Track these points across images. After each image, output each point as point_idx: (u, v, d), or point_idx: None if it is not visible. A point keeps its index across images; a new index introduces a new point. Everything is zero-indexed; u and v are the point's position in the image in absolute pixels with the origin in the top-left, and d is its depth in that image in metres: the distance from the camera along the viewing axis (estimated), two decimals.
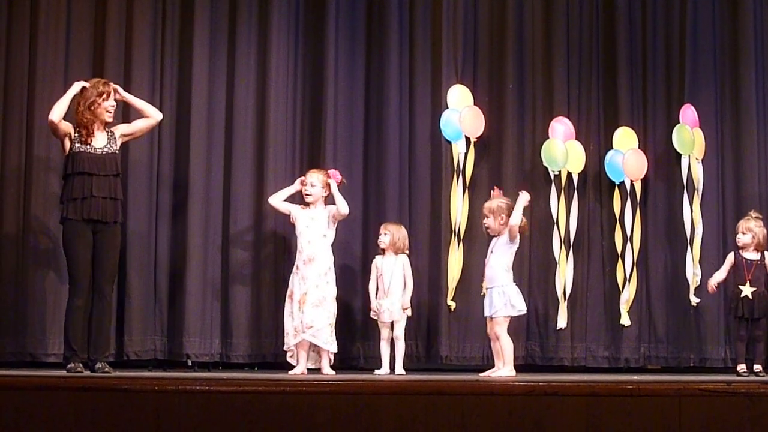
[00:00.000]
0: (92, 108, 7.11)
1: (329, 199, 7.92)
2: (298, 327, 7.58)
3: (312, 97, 8.69)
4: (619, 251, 8.81)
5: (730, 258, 8.06)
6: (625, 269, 8.78)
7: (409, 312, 7.98)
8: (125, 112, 7.76)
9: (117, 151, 7.20)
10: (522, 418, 4.95)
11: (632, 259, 8.79)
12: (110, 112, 7.20)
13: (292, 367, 7.65)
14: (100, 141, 7.12)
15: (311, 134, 8.67)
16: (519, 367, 7.69)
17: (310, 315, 7.56)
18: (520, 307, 7.56)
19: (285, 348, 7.73)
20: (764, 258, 7.99)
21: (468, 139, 8.69)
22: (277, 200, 7.91)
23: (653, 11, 9.08)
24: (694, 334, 8.76)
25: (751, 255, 7.98)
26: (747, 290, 7.88)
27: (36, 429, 4.88)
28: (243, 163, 8.45)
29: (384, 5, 8.81)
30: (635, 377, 7.13)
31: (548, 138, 8.79)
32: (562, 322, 8.67)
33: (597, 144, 8.97)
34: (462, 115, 8.65)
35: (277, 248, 8.26)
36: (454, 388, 5.09)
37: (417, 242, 8.63)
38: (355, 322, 8.40)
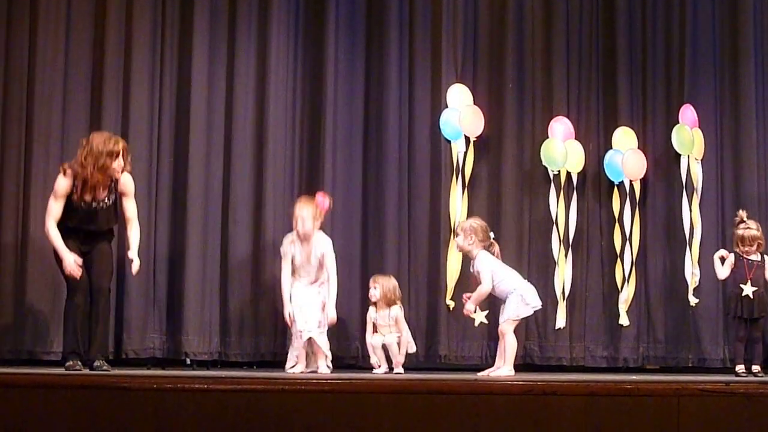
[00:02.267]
0: (103, 169, 6.94)
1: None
2: (303, 327, 7.59)
3: (311, 96, 8.69)
4: (618, 251, 8.81)
5: (731, 259, 8.05)
6: (624, 269, 8.78)
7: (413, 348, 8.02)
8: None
9: (114, 202, 7.10)
10: (520, 417, 4.95)
11: (631, 259, 8.79)
12: (118, 171, 7.03)
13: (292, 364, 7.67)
14: (99, 194, 7.05)
15: (310, 134, 8.66)
16: (518, 367, 7.68)
17: (315, 315, 7.62)
18: (534, 303, 7.58)
19: (291, 353, 7.71)
20: (764, 259, 8.00)
21: (467, 139, 8.69)
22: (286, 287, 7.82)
23: (653, 11, 9.08)
24: (692, 334, 8.76)
25: (753, 256, 7.98)
26: (748, 289, 7.88)
27: (34, 427, 4.88)
28: (242, 162, 8.45)
29: (384, 4, 8.80)
30: (634, 377, 7.13)
31: (548, 137, 8.78)
32: (560, 321, 8.67)
33: (596, 144, 8.97)
34: (461, 115, 8.65)
35: (276, 247, 8.24)
36: (452, 388, 5.09)
37: (416, 241, 8.64)
38: (353, 321, 8.39)
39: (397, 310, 7.89)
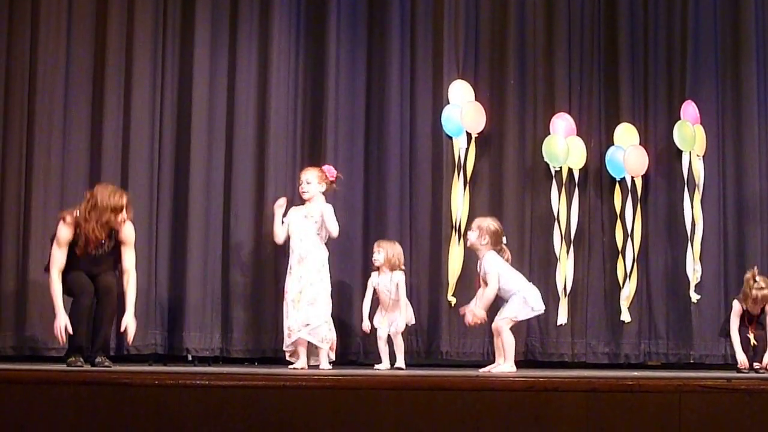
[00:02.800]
0: (106, 225, 6.93)
1: (328, 194, 7.92)
2: (293, 326, 7.58)
3: (313, 92, 8.69)
4: (620, 247, 8.81)
5: (737, 308, 7.99)
6: (626, 265, 8.79)
7: (413, 320, 8.00)
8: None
9: (114, 249, 7.06)
10: (522, 413, 4.95)
11: (633, 255, 8.79)
12: (120, 223, 7.00)
13: (292, 362, 7.66)
14: (100, 245, 7.03)
15: (312, 130, 8.67)
16: (519, 363, 7.69)
17: (306, 313, 7.56)
18: (537, 307, 7.52)
19: (285, 348, 7.72)
20: (765, 312, 7.96)
21: (469, 135, 8.70)
22: (279, 232, 7.82)
23: (654, 7, 9.08)
24: (694, 331, 8.76)
25: (755, 310, 7.97)
26: (751, 336, 7.90)
27: (36, 423, 4.88)
28: (244, 158, 8.46)
29: (385, 0, 8.80)
30: (635, 373, 7.14)
31: (549, 134, 8.79)
32: (562, 317, 8.68)
33: (598, 140, 8.97)
34: (463, 111, 8.65)
35: (277, 244, 8.25)
36: (454, 384, 5.08)
37: (418, 238, 8.65)
38: (354, 317, 8.40)
39: (400, 276, 7.87)
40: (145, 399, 4.91)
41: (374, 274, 7.94)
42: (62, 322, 6.85)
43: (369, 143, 8.74)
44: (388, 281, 7.85)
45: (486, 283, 7.42)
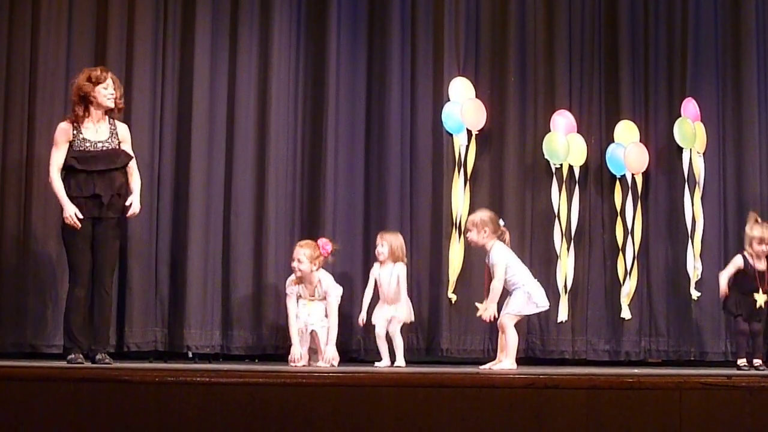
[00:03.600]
0: (89, 95, 7.00)
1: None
2: (306, 321, 7.60)
3: (313, 89, 8.69)
4: (620, 245, 8.81)
5: (738, 262, 7.99)
6: (626, 263, 8.78)
7: (412, 317, 8.01)
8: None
9: (119, 146, 7.12)
10: (522, 410, 4.96)
11: (633, 252, 8.79)
12: (110, 99, 7.08)
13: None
14: (101, 133, 7.06)
15: (313, 127, 8.66)
16: (520, 360, 7.68)
17: (317, 308, 7.63)
18: (541, 304, 7.55)
19: (290, 360, 7.69)
20: None
21: (469, 132, 8.69)
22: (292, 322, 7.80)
23: (655, 4, 9.07)
24: (694, 328, 8.76)
25: (761, 264, 7.94)
26: (761, 299, 7.88)
27: (36, 420, 4.89)
28: (244, 155, 8.45)
29: None
30: (636, 370, 7.13)
31: (549, 131, 8.78)
32: (562, 315, 8.67)
33: (598, 137, 8.97)
34: (463, 108, 8.65)
35: (278, 240, 8.25)
36: (454, 381, 5.09)
37: (418, 235, 8.64)
38: (354, 315, 8.39)
39: (401, 268, 7.89)
40: (145, 396, 4.92)
41: (376, 266, 7.95)
42: (71, 211, 6.89)
43: (369, 141, 8.74)
44: (389, 273, 7.86)
45: (492, 276, 7.45)
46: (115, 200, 7.04)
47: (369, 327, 8.18)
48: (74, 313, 6.96)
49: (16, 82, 8.10)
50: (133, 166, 7.20)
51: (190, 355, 8.19)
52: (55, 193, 7.01)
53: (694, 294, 8.72)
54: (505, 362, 7.38)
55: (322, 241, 7.78)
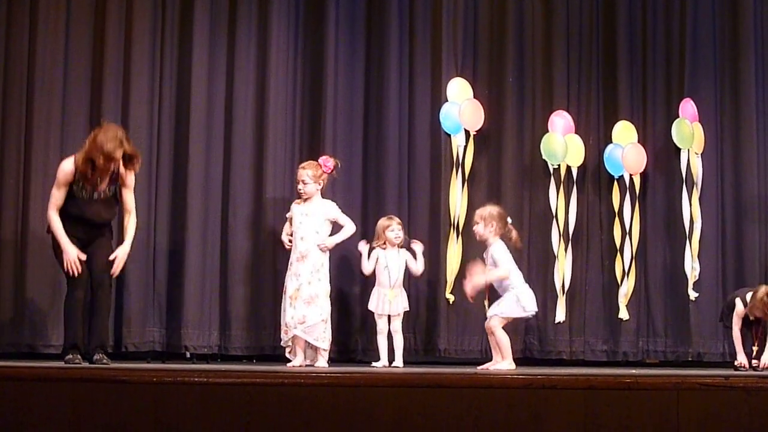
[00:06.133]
0: (93, 163, 6.82)
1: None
2: (290, 323, 7.58)
3: (312, 89, 8.69)
4: (618, 245, 8.81)
5: (740, 309, 7.92)
6: (624, 263, 8.78)
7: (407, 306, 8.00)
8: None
9: (115, 194, 7.02)
10: (520, 411, 4.96)
11: (631, 253, 8.79)
12: (120, 163, 6.91)
13: (290, 359, 7.66)
14: (100, 186, 6.97)
15: (311, 127, 8.67)
16: (517, 361, 7.68)
17: (301, 311, 7.56)
18: (529, 308, 7.54)
19: (282, 344, 7.72)
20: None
21: (467, 132, 8.69)
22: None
23: (653, 5, 9.08)
24: (692, 329, 8.76)
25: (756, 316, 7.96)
26: (754, 349, 7.91)
27: (34, 420, 4.88)
28: (242, 155, 8.46)
29: None
30: (633, 371, 7.13)
31: (548, 131, 8.78)
32: (560, 315, 8.67)
33: (596, 138, 8.97)
34: (461, 108, 8.65)
35: (276, 240, 8.24)
36: (452, 381, 5.09)
37: (416, 235, 8.62)
38: (353, 315, 8.40)
39: (407, 253, 7.99)
40: (143, 396, 4.92)
41: (380, 251, 7.92)
42: (73, 255, 6.83)
43: (367, 141, 8.74)
44: (397, 257, 7.89)
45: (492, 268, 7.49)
46: (104, 224, 7.05)
47: (369, 326, 8.19)
48: (73, 314, 6.95)
49: (15, 82, 8.10)
50: (131, 209, 7.09)
51: (188, 355, 8.19)
52: (53, 232, 6.91)
53: (692, 294, 8.73)
54: (504, 363, 7.38)
55: (322, 158, 7.82)
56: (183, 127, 8.36)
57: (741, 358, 7.88)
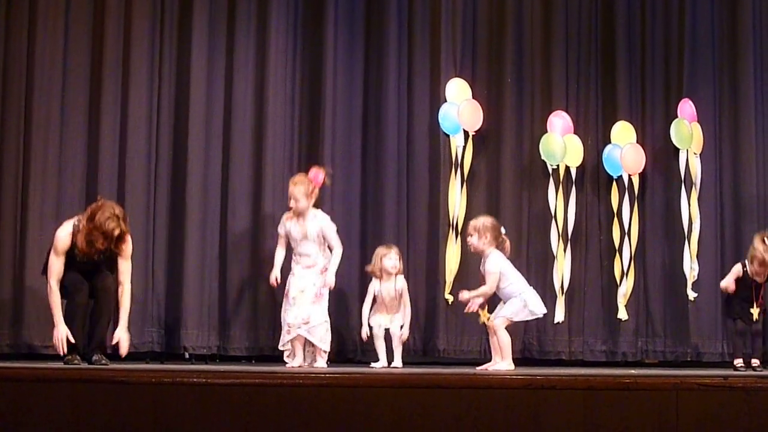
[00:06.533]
0: (93, 243, 6.88)
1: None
2: (293, 323, 7.58)
3: (310, 90, 8.69)
4: (617, 245, 8.80)
5: (738, 270, 7.99)
6: (623, 263, 8.78)
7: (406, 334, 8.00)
8: None
9: (111, 257, 7.04)
10: (519, 411, 4.96)
11: (630, 253, 8.79)
12: (106, 247, 6.95)
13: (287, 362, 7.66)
14: (97, 254, 7.01)
15: (309, 128, 8.66)
16: (516, 361, 7.67)
17: (306, 310, 7.56)
18: (537, 311, 7.52)
19: (281, 347, 7.70)
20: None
21: (466, 133, 8.69)
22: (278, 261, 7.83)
23: (652, 5, 9.07)
24: (691, 329, 8.75)
25: (759, 278, 7.95)
26: (755, 312, 7.89)
27: (33, 421, 4.88)
28: (241, 156, 8.46)
29: None
30: (632, 371, 7.13)
31: (546, 132, 8.78)
32: (559, 316, 8.67)
33: (595, 138, 8.97)
34: (460, 109, 8.65)
35: (275, 241, 8.24)
36: (451, 382, 5.09)
37: (415, 235, 8.64)
38: (352, 315, 8.40)
39: (402, 281, 7.95)
40: (142, 397, 4.92)
41: (375, 281, 7.93)
42: (62, 333, 6.86)
43: (366, 141, 8.74)
44: (392, 287, 7.86)
45: (485, 282, 7.46)
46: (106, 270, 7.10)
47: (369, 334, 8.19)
48: (73, 317, 6.96)
49: (13, 83, 8.11)
50: (125, 280, 7.10)
51: (187, 356, 8.19)
52: (50, 303, 6.94)
53: (691, 295, 8.72)
54: (502, 363, 7.38)
55: (312, 172, 7.76)
56: (182, 127, 8.36)
57: (725, 283, 7.98)
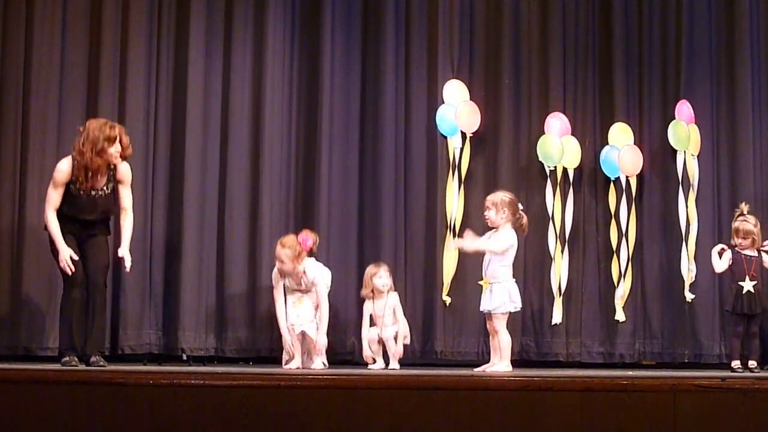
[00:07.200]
0: (101, 154, 6.96)
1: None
2: (296, 321, 7.58)
3: (308, 92, 8.69)
4: (614, 247, 8.81)
5: (729, 254, 8.08)
6: (620, 265, 8.78)
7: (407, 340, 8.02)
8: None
9: (113, 191, 7.10)
10: (517, 413, 4.95)
11: (627, 254, 8.79)
12: (117, 157, 7.03)
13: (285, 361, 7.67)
14: (100, 180, 7.05)
15: (307, 129, 8.67)
16: (514, 363, 7.66)
17: (306, 309, 7.58)
18: (517, 303, 7.51)
19: (285, 353, 7.70)
20: (762, 256, 8.04)
21: (464, 134, 8.70)
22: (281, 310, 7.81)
23: (649, 6, 9.08)
24: (688, 330, 8.76)
25: (749, 252, 8.02)
26: (748, 285, 7.92)
27: (31, 423, 4.88)
28: (239, 157, 8.46)
29: (380, 0, 8.81)
30: (630, 373, 7.14)
31: (544, 133, 8.79)
32: (557, 317, 8.67)
33: (592, 140, 8.97)
34: (458, 110, 8.65)
35: (273, 242, 8.24)
36: (449, 383, 5.09)
37: (412, 237, 8.64)
38: (349, 317, 8.40)
39: (395, 297, 7.97)
40: (140, 399, 4.91)
41: (368, 302, 7.95)
42: (66, 254, 6.89)
43: (364, 143, 8.74)
44: (383, 305, 7.88)
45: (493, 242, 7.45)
46: (101, 221, 7.13)
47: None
48: (70, 315, 6.97)
49: (11, 85, 8.10)
50: (127, 206, 7.17)
51: (185, 357, 8.18)
52: (49, 233, 6.99)
53: (689, 296, 8.73)
54: (501, 364, 7.38)
55: (302, 236, 7.73)
56: (179, 129, 8.36)
57: (721, 267, 8.07)
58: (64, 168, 7.01)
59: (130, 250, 7.17)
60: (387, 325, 7.90)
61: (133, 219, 7.23)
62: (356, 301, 8.31)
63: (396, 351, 7.88)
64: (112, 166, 7.06)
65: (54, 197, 7.00)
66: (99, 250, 7.11)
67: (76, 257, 6.93)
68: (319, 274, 7.69)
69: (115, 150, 7.00)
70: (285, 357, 7.68)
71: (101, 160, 6.97)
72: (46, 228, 7.06)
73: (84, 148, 6.95)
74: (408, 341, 8.06)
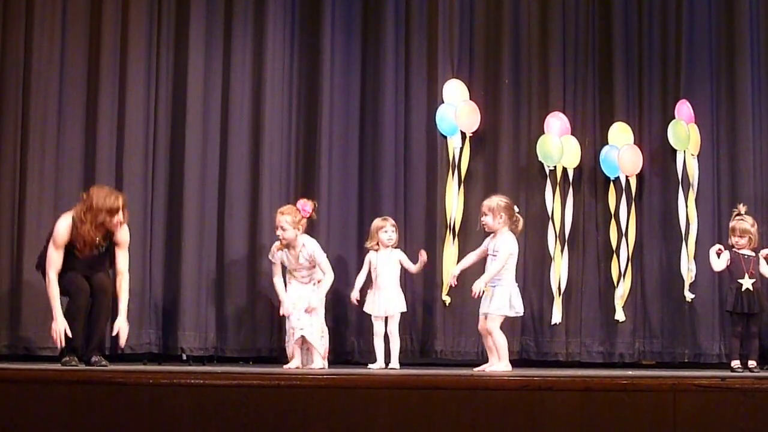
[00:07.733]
0: (100, 227, 6.95)
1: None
2: (297, 325, 7.58)
3: (308, 92, 8.70)
4: (614, 246, 8.81)
5: (727, 254, 8.09)
6: (620, 264, 8.78)
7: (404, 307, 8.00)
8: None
9: (108, 249, 7.09)
10: (517, 412, 4.96)
11: (627, 254, 8.79)
12: (117, 225, 7.01)
13: (287, 361, 7.65)
14: (96, 247, 7.05)
15: (307, 129, 8.67)
16: (513, 362, 7.66)
17: (302, 317, 7.57)
18: (518, 308, 7.49)
19: (289, 357, 7.71)
20: (758, 256, 8.05)
21: (463, 134, 8.69)
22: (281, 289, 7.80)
23: (649, 6, 9.07)
24: (688, 330, 8.76)
25: (747, 251, 8.03)
26: (747, 282, 7.93)
27: (31, 422, 4.88)
28: (238, 157, 8.46)
29: (380, 0, 8.81)
30: (630, 372, 7.14)
31: (543, 133, 8.78)
32: (556, 317, 8.67)
33: (592, 139, 8.97)
34: (457, 110, 8.65)
35: (272, 242, 8.24)
36: (448, 383, 5.09)
37: (412, 237, 8.64)
38: (349, 317, 8.40)
39: (400, 252, 8.01)
40: (140, 398, 4.92)
41: (372, 253, 7.94)
42: (61, 326, 6.87)
43: (363, 142, 8.74)
44: (387, 258, 7.89)
45: (494, 257, 7.43)
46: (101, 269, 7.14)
47: (365, 328, 8.18)
48: (74, 319, 6.97)
49: (10, 84, 8.09)
50: (123, 269, 7.15)
51: (185, 357, 8.18)
52: (49, 296, 6.97)
53: (688, 296, 8.73)
54: (500, 364, 7.37)
55: (300, 203, 7.73)
56: (179, 129, 8.36)
57: (720, 265, 8.11)
58: (63, 230, 6.96)
59: (128, 253, 7.16)
60: (387, 287, 7.88)
61: (128, 282, 7.18)
62: (355, 301, 8.32)
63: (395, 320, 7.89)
64: (110, 232, 7.05)
65: (55, 258, 6.95)
66: (103, 276, 7.12)
67: (69, 334, 6.88)
68: (313, 244, 7.69)
69: (116, 220, 6.99)
70: (282, 311, 7.68)
71: (99, 232, 6.96)
72: (38, 267, 7.09)
73: (85, 217, 6.93)
74: (405, 308, 8.00)
